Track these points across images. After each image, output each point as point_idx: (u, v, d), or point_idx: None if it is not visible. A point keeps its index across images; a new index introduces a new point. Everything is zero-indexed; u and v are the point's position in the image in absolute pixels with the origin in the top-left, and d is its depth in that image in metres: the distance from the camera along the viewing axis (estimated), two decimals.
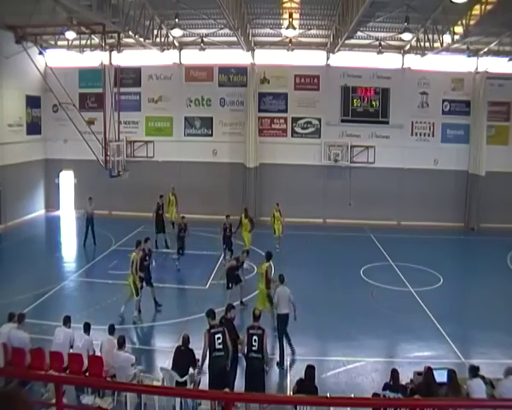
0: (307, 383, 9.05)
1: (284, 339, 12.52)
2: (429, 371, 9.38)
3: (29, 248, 22.47)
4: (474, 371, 9.26)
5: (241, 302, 15.61)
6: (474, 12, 19.50)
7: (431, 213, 26.82)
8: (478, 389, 8.91)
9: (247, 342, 10.05)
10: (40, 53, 25.55)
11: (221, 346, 9.99)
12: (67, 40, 24.77)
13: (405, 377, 10.13)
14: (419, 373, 9.86)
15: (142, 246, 15.31)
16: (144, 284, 15.02)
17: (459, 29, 21.26)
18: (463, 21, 20.33)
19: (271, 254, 15.25)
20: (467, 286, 19.02)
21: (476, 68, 27.18)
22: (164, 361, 10.75)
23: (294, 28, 23.28)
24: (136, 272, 14.55)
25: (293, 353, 12.58)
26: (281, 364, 12.11)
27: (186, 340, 10.36)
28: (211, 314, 10.46)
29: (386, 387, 9.29)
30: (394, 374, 9.35)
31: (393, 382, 9.27)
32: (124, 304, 14.62)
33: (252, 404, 9.34)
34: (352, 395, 10.12)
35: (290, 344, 12.61)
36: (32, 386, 9.44)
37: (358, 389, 11.00)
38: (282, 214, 22.36)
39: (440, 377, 9.39)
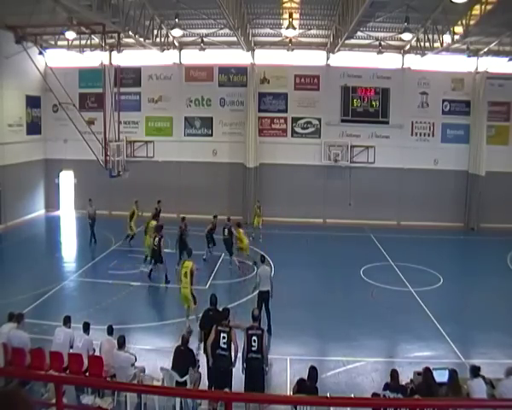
0: (308, 384, 9.05)
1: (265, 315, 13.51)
2: (428, 371, 9.38)
3: (29, 248, 22.48)
4: (475, 371, 9.25)
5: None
6: (474, 12, 19.50)
7: (431, 213, 26.83)
8: (478, 389, 8.90)
9: (246, 343, 10.04)
10: (40, 53, 25.57)
11: (225, 346, 10.00)
12: (67, 40, 24.80)
13: (405, 378, 10.12)
14: (419, 373, 9.84)
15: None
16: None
17: (459, 29, 21.26)
18: (463, 21, 20.32)
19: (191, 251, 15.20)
20: (467, 286, 19.00)
21: (476, 68, 27.19)
22: (164, 361, 10.73)
23: (294, 28, 23.28)
24: (192, 283, 14.05)
25: (270, 331, 13.16)
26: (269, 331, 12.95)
27: (186, 340, 10.36)
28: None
29: (386, 387, 9.28)
30: (394, 374, 9.35)
31: (393, 382, 9.26)
32: (187, 318, 14.00)
33: (251, 404, 9.33)
34: (352, 395, 10.12)
35: (269, 321, 13.67)
36: (32, 386, 9.43)
37: (358, 389, 10.99)
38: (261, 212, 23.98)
39: (441, 377, 9.39)
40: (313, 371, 9.29)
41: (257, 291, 14.18)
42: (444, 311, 15.65)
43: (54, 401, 4.75)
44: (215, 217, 21.00)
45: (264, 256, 14.93)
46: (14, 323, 11.17)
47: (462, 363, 12.02)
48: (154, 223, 19.45)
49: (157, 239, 18.00)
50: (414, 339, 13.79)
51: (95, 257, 20.85)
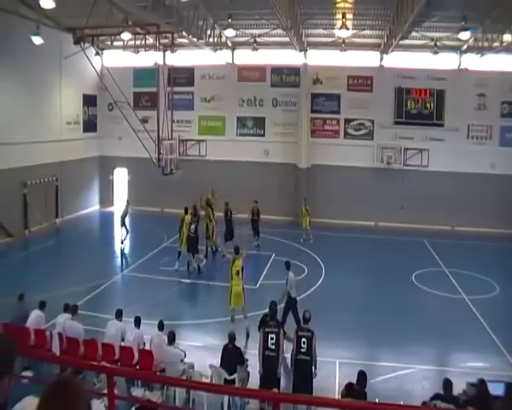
0: (356, 388, 8.91)
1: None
2: (483, 383, 9.04)
3: (84, 242, 23.20)
4: None
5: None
6: None
7: (487, 219, 25.85)
8: None
9: (295, 344, 9.99)
10: (97, 53, 26.25)
11: (273, 346, 9.99)
12: (123, 41, 25.42)
13: (458, 388, 9.80)
14: (472, 384, 9.49)
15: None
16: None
17: None
18: None
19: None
20: None
21: None
22: (213, 359, 10.81)
23: (348, 29, 22.98)
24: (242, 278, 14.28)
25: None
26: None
27: (232, 338, 10.40)
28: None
29: (436, 397, 9.00)
30: (448, 384, 9.02)
31: (446, 392, 8.97)
32: (245, 317, 14.08)
33: (299, 405, 9.27)
34: (402, 403, 9.89)
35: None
36: (85, 375, 9.68)
37: (408, 396, 10.72)
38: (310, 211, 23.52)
39: (496, 389, 9.01)
40: (362, 375, 9.15)
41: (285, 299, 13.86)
42: (499, 321, 15.04)
43: (105, 391, 4.84)
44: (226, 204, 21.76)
45: (289, 262, 14.47)
46: (69, 314, 11.54)
47: None
48: (189, 217, 19.57)
49: (193, 226, 18.35)
50: (467, 349, 13.36)
51: (147, 253, 21.24)
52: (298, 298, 14.14)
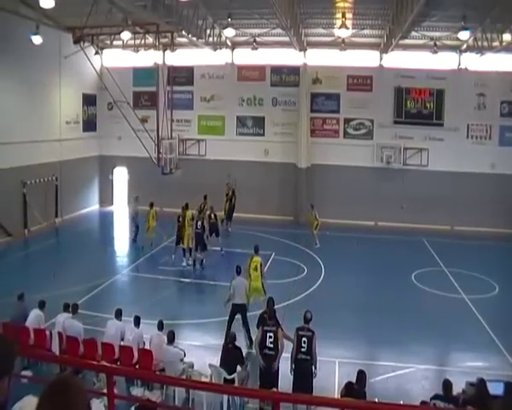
0: (356, 387, 8.92)
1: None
2: (482, 382, 9.04)
3: (84, 241, 23.18)
4: None
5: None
6: None
7: (486, 218, 25.84)
8: None
9: (296, 344, 10.01)
10: (96, 53, 26.27)
11: (272, 345, 10.00)
12: (122, 40, 25.40)
13: (457, 388, 9.80)
14: (471, 384, 9.49)
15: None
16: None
17: None
18: None
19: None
20: None
21: None
22: (212, 358, 10.82)
23: (347, 28, 22.98)
24: (262, 275, 14.46)
25: (251, 345, 12.53)
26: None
27: (232, 338, 10.42)
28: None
29: (436, 397, 9.00)
30: (448, 385, 9.02)
31: (445, 393, 8.96)
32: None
33: (299, 405, 9.27)
34: (401, 402, 9.89)
35: (249, 334, 13.06)
36: (84, 375, 9.68)
37: (408, 395, 10.72)
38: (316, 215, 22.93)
39: (495, 389, 9.02)
40: (362, 375, 9.16)
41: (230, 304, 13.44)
42: (499, 321, 15.02)
43: (105, 390, 4.85)
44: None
45: (240, 267, 13.96)
46: (69, 313, 11.55)
47: None
48: (190, 214, 19.61)
49: (200, 223, 18.42)
50: (466, 348, 13.36)
51: (146, 252, 21.24)
52: (296, 298, 14.11)
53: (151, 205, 21.65)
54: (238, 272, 13.74)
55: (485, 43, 23.25)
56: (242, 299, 13.31)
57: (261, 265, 14.45)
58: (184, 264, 19.28)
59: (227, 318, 13.36)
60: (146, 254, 20.98)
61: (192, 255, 19.18)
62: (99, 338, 11.25)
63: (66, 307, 11.78)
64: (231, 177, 24.59)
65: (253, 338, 11.59)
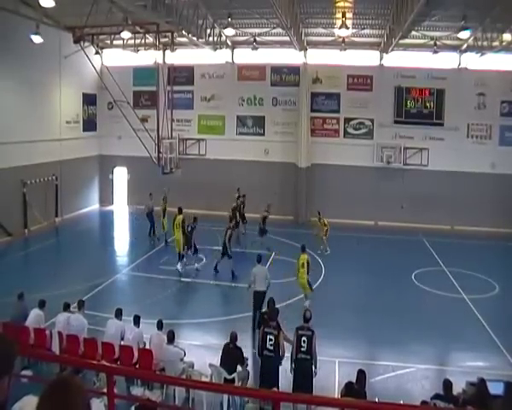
0: (356, 387, 8.91)
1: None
2: (483, 382, 9.04)
3: (84, 241, 23.20)
4: None
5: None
6: None
7: (487, 218, 25.85)
8: None
9: (295, 343, 10.00)
10: (96, 52, 26.24)
11: (272, 347, 10.00)
12: (123, 40, 25.39)
13: (457, 388, 9.79)
14: (472, 384, 9.49)
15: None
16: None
17: None
18: None
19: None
20: None
21: None
22: (212, 358, 10.82)
23: (347, 28, 22.96)
24: (308, 272, 15.55)
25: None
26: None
27: (234, 338, 10.42)
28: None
29: (436, 397, 9.01)
30: (448, 385, 9.02)
31: (446, 393, 8.97)
32: (307, 299, 15.35)
33: (299, 404, 9.27)
34: (402, 402, 9.89)
35: None
36: (84, 374, 9.68)
37: (408, 395, 10.72)
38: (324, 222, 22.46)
39: (495, 389, 9.01)
40: (362, 374, 9.17)
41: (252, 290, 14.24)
42: (499, 320, 15.05)
43: (105, 390, 4.85)
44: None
45: (261, 256, 15.18)
46: (69, 313, 11.58)
47: None
48: (181, 217, 19.29)
49: (190, 226, 18.76)
50: (466, 348, 13.36)
51: (147, 252, 21.23)
52: (296, 298, 14.16)
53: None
54: (258, 260, 14.69)
55: (486, 43, 23.22)
56: (262, 286, 13.92)
57: (308, 262, 15.44)
58: (179, 267, 18.67)
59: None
60: (147, 254, 20.96)
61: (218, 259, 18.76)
62: (99, 338, 11.25)
63: (66, 307, 11.79)
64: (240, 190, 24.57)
65: None
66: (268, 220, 22.33)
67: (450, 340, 13.88)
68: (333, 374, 11.66)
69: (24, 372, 9.56)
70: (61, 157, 25.56)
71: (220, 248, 18.83)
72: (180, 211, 19.65)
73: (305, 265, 15.38)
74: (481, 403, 8.56)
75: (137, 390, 10.04)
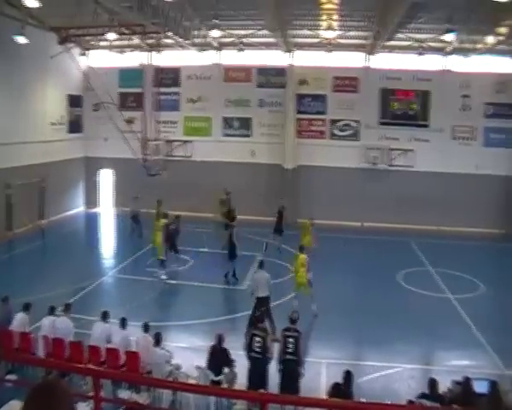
0: (343, 388, 8.95)
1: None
2: (468, 381, 9.13)
3: (69, 243, 23.01)
4: None
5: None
6: None
7: (472, 218, 26.08)
8: None
9: (282, 344, 10.02)
10: (82, 53, 26.09)
11: (259, 350, 10.00)
12: (108, 41, 25.26)
13: (443, 386, 9.88)
14: (457, 382, 9.58)
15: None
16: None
17: (504, 30, 20.69)
18: (508, 22, 19.77)
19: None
20: (508, 294, 18.37)
21: None
22: (199, 360, 10.79)
23: (333, 30, 23.09)
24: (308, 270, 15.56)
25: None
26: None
27: (220, 339, 10.40)
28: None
29: (422, 396, 9.08)
30: (433, 383, 9.11)
31: (431, 391, 9.05)
32: (314, 302, 15.07)
33: (287, 406, 9.29)
34: (388, 402, 9.94)
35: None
36: (71, 378, 9.61)
37: (394, 395, 10.79)
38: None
39: (480, 387, 9.12)
40: (348, 375, 9.20)
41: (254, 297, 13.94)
42: (484, 319, 15.20)
43: (92, 393, 4.82)
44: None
45: (263, 261, 14.93)
46: (54, 316, 11.48)
47: (502, 374, 11.65)
48: (163, 221, 18.89)
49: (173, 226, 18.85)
50: (452, 347, 13.47)
51: (133, 254, 21.13)
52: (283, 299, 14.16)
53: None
54: (260, 266, 14.49)
55: (470, 46, 23.46)
56: (265, 292, 13.84)
57: (307, 261, 15.47)
58: (164, 277, 18.04)
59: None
60: (133, 256, 20.86)
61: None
62: (86, 341, 11.17)
63: (52, 310, 11.69)
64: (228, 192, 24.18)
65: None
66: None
67: (436, 339, 13.98)
68: (320, 375, 11.69)
69: (9, 377, 9.47)
70: (47, 159, 25.26)
71: (226, 252, 18.48)
72: (165, 216, 19.27)
73: (305, 264, 15.43)
74: (467, 402, 8.66)
75: (124, 393, 9.98)
